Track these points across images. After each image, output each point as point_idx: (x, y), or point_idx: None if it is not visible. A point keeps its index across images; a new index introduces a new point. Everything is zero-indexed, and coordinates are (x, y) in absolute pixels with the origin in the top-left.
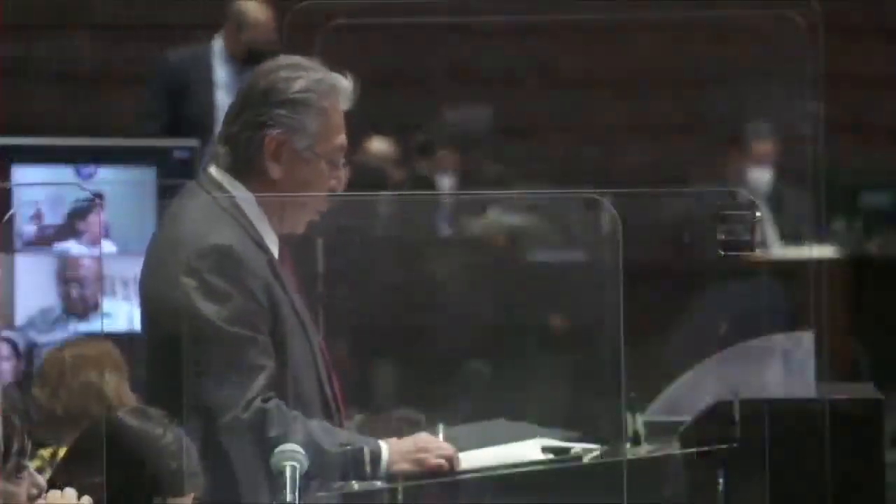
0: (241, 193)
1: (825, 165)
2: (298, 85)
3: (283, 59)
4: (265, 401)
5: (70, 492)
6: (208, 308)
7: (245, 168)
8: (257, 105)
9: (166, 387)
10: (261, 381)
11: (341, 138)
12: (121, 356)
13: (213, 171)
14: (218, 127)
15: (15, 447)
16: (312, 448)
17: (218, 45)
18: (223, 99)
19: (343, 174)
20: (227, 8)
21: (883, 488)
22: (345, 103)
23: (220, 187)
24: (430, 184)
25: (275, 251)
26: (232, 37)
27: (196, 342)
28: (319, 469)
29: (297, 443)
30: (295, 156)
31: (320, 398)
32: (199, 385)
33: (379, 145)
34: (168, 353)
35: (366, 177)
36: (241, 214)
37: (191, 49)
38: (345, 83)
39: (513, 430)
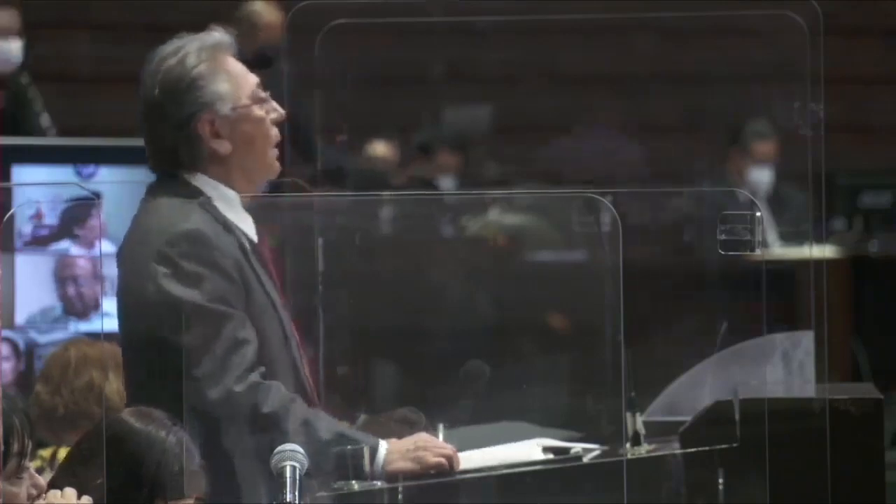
0: (201, 181)
1: (825, 165)
2: (188, 62)
3: (157, 55)
4: (263, 376)
5: (70, 492)
6: (184, 292)
7: (194, 161)
8: (169, 106)
9: (150, 382)
10: (248, 353)
11: (250, 78)
12: None
13: (176, 171)
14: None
15: (15, 448)
16: (309, 435)
17: None
18: None
19: (274, 103)
20: (238, 8)
21: (883, 488)
22: (230, 50)
23: (182, 181)
24: (429, 186)
25: (250, 231)
26: (242, 38)
27: (177, 327)
28: (315, 459)
29: (292, 425)
30: (228, 122)
31: (293, 376)
32: (186, 368)
33: (380, 149)
34: (150, 346)
35: (368, 181)
36: (208, 204)
37: None
38: (217, 35)
39: (513, 432)
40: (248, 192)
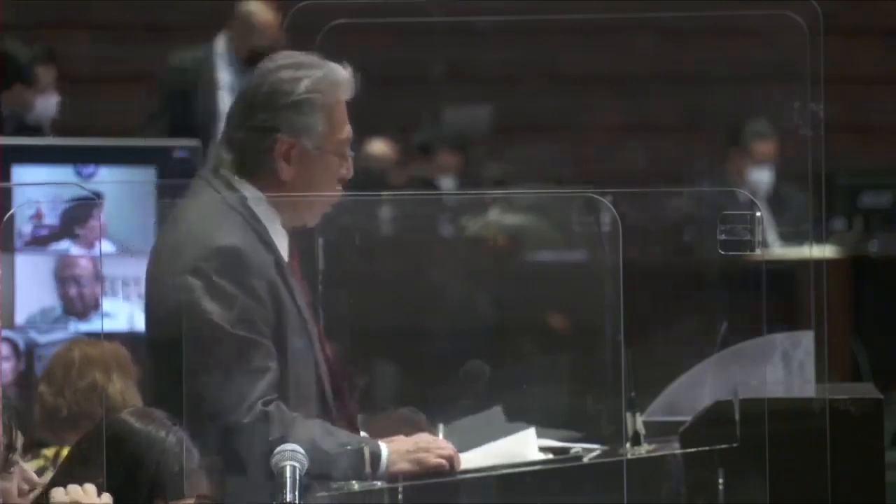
0: (251, 193)
1: (825, 165)
2: (303, 85)
3: (282, 58)
4: (266, 404)
5: (90, 488)
6: (214, 310)
7: (254, 170)
8: (263, 108)
9: (169, 388)
10: (263, 384)
11: (347, 130)
12: (129, 358)
13: (222, 170)
14: (221, 129)
15: (4, 441)
16: (313, 448)
17: (220, 45)
18: (226, 100)
19: (351, 163)
20: (235, 8)
21: (883, 488)
22: (347, 94)
23: (229, 185)
24: (429, 185)
25: (284, 248)
26: (239, 38)
27: (201, 344)
28: (319, 469)
29: (297, 443)
30: (305, 155)
31: (319, 396)
32: (202, 387)
33: (379, 147)
34: (171, 354)
35: (366, 180)
36: (249, 214)
37: (193, 50)
38: (345, 75)
39: (509, 421)
40: (288, 220)
